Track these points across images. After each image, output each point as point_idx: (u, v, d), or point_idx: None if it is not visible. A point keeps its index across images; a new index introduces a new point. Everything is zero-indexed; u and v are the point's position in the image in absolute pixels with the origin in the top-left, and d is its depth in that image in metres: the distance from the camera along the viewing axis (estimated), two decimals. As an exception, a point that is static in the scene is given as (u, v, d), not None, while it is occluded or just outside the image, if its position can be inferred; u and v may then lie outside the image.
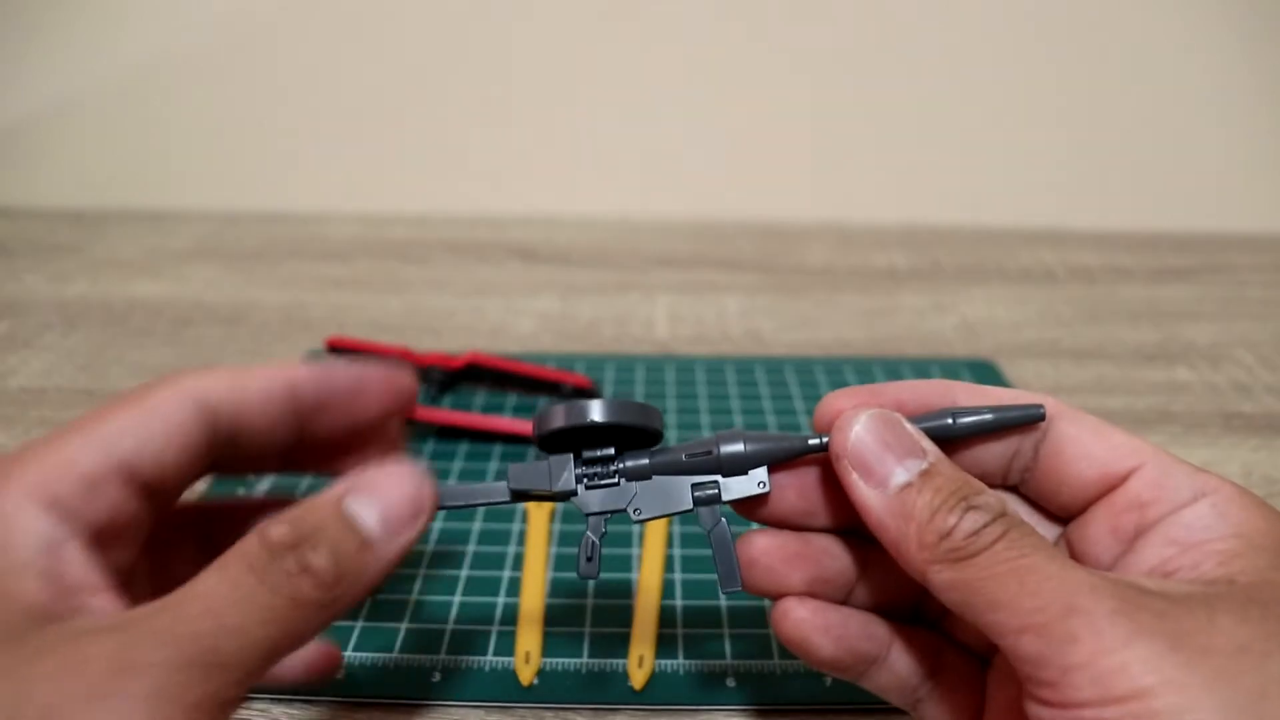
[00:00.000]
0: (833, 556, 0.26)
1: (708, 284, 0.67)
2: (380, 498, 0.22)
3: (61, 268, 0.69)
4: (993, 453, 0.25)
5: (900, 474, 0.22)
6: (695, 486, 0.25)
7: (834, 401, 0.25)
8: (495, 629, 0.34)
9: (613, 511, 0.25)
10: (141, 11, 0.74)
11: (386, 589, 0.36)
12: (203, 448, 0.23)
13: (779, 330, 0.60)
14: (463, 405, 0.50)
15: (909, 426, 0.23)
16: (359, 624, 0.35)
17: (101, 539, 0.21)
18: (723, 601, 0.36)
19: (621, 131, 0.77)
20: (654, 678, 0.32)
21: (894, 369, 0.53)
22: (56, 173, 0.81)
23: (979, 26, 0.72)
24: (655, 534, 0.39)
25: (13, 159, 0.80)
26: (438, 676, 0.32)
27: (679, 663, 0.33)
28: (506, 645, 0.34)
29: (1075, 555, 0.24)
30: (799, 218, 0.79)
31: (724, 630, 0.34)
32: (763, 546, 0.25)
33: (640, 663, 0.32)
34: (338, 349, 0.50)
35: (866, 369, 0.53)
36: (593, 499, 0.25)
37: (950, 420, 0.24)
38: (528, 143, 0.77)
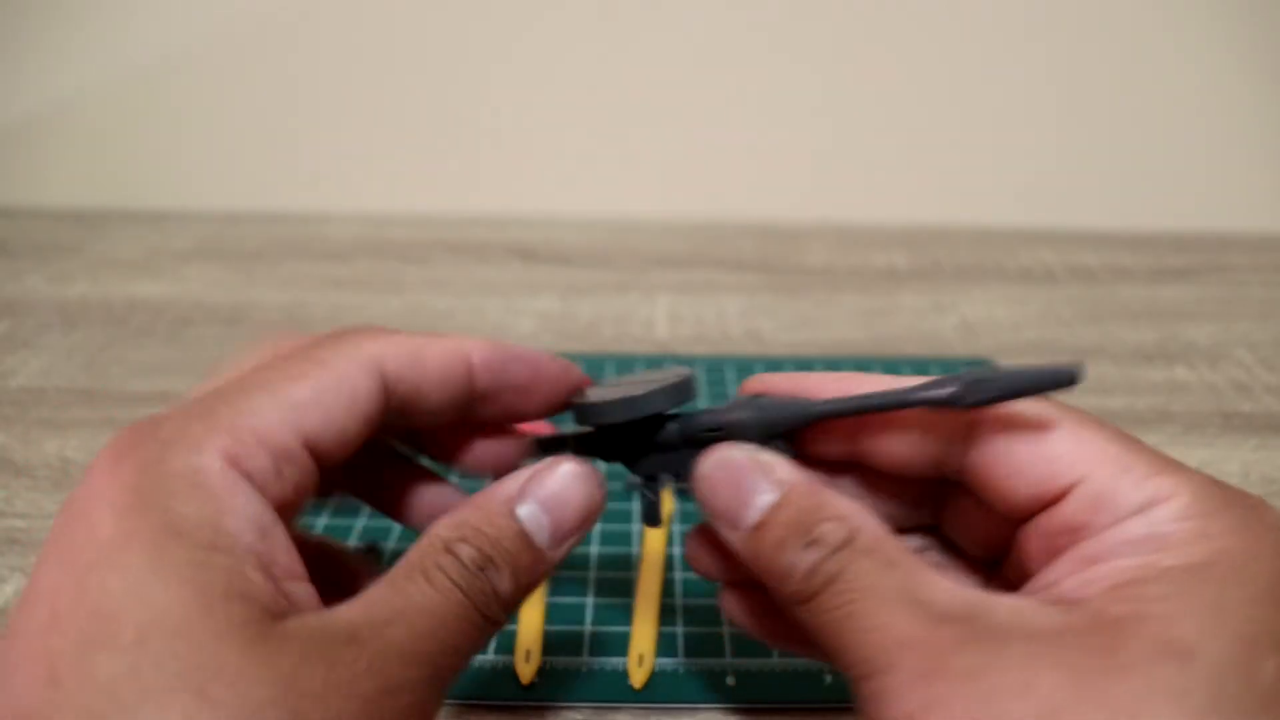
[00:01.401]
0: None
1: (708, 284, 0.67)
2: (554, 506, 0.21)
3: (62, 268, 0.69)
4: (903, 458, 0.23)
5: (750, 515, 0.21)
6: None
7: (750, 386, 0.24)
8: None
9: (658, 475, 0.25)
10: (142, 12, 0.74)
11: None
12: (379, 417, 0.22)
13: (779, 330, 0.60)
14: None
15: (764, 456, 0.22)
16: (359, 623, 0.34)
17: (287, 511, 0.20)
18: (723, 600, 0.36)
19: (621, 131, 0.77)
20: (654, 677, 0.32)
21: (894, 369, 0.53)
22: (56, 173, 0.81)
23: (979, 26, 0.72)
24: (655, 533, 0.39)
25: (13, 159, 0.80)
26: (438, 675, 0.32)
27: (679, 662, 0.33)
28: (506, 643, 0.34)
29: (1019, 581, 0.22)
30: (799, 218, 0.79)
31: (724, 630, 0.34)
32: (695, 538, 0.25)
33: (640, 662, 0.32)
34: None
35: (866, 369, 0.53)
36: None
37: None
38: (528, 143, 0.77)
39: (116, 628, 0.16)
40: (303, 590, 0.19)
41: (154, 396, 0.51)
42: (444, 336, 0.24)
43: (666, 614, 0.35)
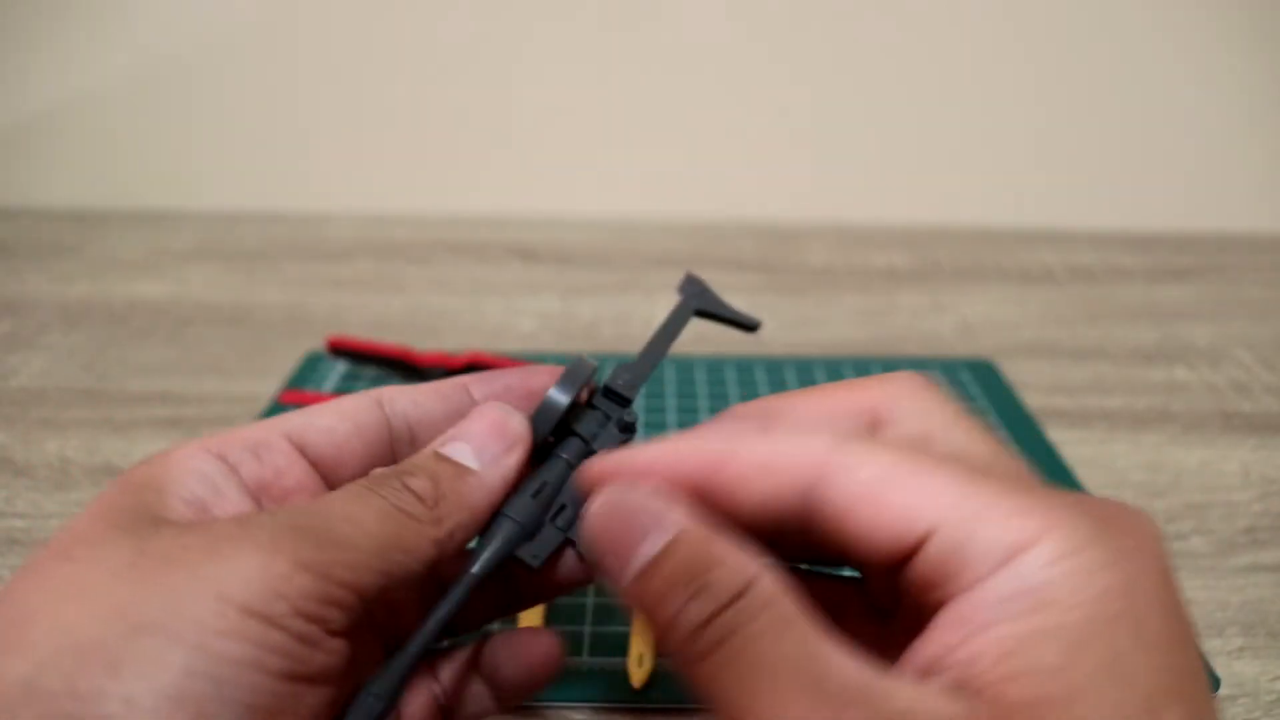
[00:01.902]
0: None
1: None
2: (470, 437, 0.23)
3: (63, 268, 0.69)
4: (772, 521, 0.20)
5: (635, 561, 0.19)
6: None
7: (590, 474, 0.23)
8: (494, 629, 0.34)
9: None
10: (142, 12, 0.74)
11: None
12: (381, 432, 0.24)
13: (779, 330, 0.60)
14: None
15: (655, 500, 0.20)
16: (360, 623, 0.35)
17: (270, 496, 0.22)
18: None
19: (622, 132, 0.77)
20: (654, 677, 0.32)
21: (894, 369, 0.53)
22: (57, 173, 0.81)
23: (979, 26, 0.72)
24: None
25: (14, 159, 0.80)
26: (438, 675, 0.32)
27: (679, 661, 0.33)
28: (507, 644, 0.34)
29: (899, 647, 0.19)
30: (799, 218, 0.79)
31: (724, 629, 0.34)
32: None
33: (640, 662, 0.32)
34: (338, 349, 0.50)
35: (866, 369, 0.53)
36: None
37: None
38: (528, 143, 0.78)
39: (46, 548, 0.20)
40: None
41: (155, 396, 0.51)
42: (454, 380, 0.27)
43: (666, 614, 0.35)
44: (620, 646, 0.33)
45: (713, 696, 0.18)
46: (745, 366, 0.54)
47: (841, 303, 0.64)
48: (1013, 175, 0.77)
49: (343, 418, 0.24)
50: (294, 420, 0.23)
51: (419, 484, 0.22)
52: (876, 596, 0.23)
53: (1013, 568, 0.17)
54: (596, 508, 0.21)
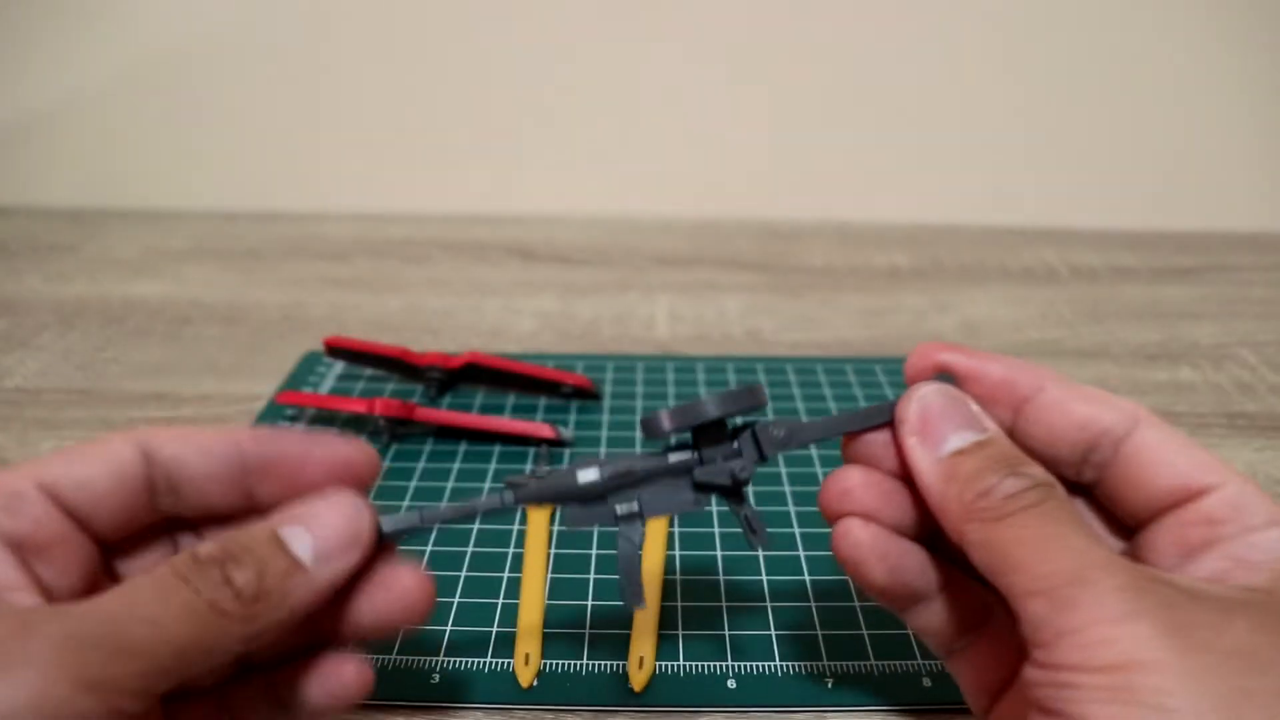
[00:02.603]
0: (914, 503, 0.26)
1: (708, 284, 0.67)
2: (314, 526, 0.22)
3: (59, 267, 0.68)
4: (1067, 442, 0.25)
5: (954, 440, 0.24)
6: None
7: (928, 351, 0.26)
8: (495, 630, 0.34)
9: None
10: (139, 12, 0.74)
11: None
12: (140, 484, 0.23)
13: (779, 330, 0.60)
14: (462, 405, 0.50)
15: (973, 406, 0.25)
16: (357, 625, 0.34)
17: (27, 550, 0.21)
18: (723, 602, 0.35)
19: (621, 131, 0.77)
20: (654, 679, 0.32)
21: (895, 369, 0.53)
22: (55, 172, 0.80)
23: (979, 26, 0.72)
24: (655, 535, 0.39)
25: (11, 158, 0.80)
26: (437, 678, 0.32)
27: (679, 663, 0.33)
28: (506, 647, 0.33)
29: (1137, 561, 0.24)
30: (799, 217, 0.78)
31: (724, 631, 0.34)
32: (858, 478, 0.26)
33: (640, 664, 0.32)
34: (336, 349, 0.50)
35: (867, 369, 0.53)
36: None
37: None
38: (527, 143, 0.77)
39: None
40: (21, 598, 0.20)
41: (151, 397, 0.51)
42: (220, 428, 0.26)
43: (667, 617, 0.35)
44: (620, 649, 0.33)
45: (1006, 546, 0.21)
46: (745, 367, 0.54)
47: (842, 303, 0.64)
48: (1015, 174, 0.77)
49: (102, 466, 0.23)
50: (50, 468, 0.22)
51: (243, 578, 0.21)
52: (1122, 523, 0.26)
53: (1275, 531, 0.22)
54: (926, 392, 0.25)
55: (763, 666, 0.32)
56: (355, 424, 0.47)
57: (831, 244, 0.74)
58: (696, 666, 0.32)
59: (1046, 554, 0.20)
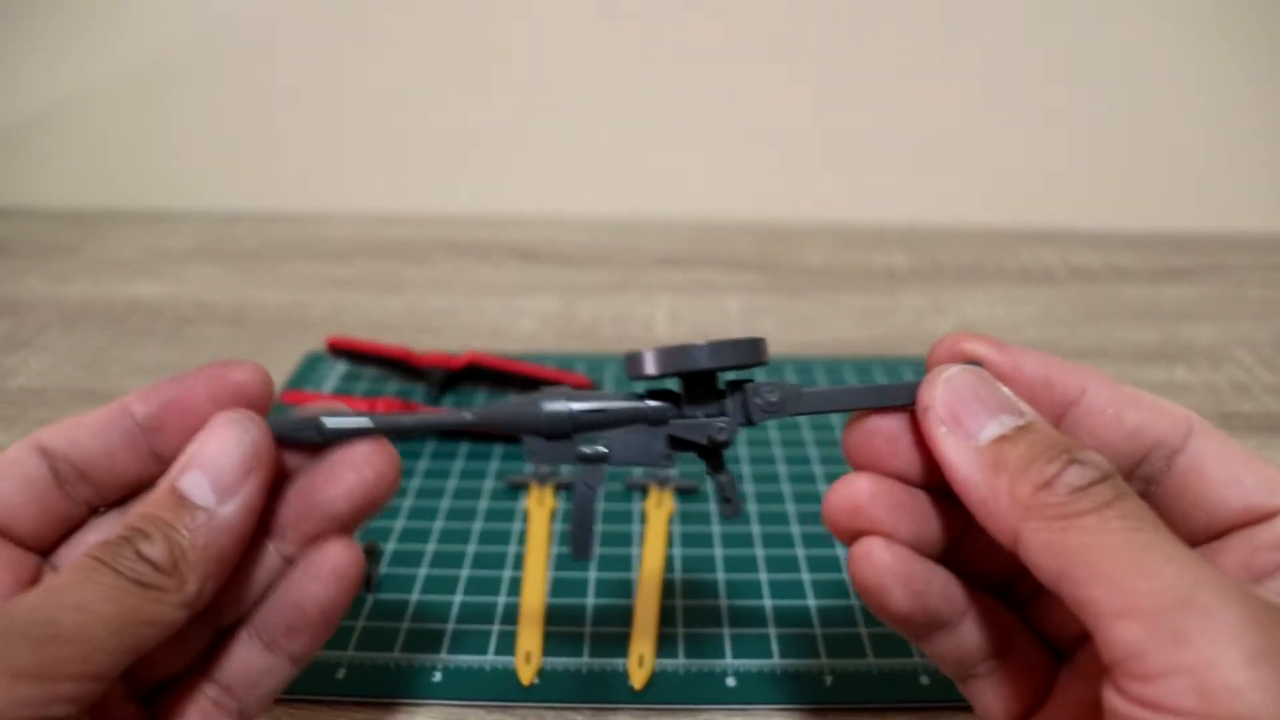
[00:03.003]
0: (931, 513, 0.24)
1: (708, 284, 0.67)
2: (208, 465, 0.22)
3: (61, 267, 0.69)
4: (1115, 452, 0.22)
5: (993, 427, 0.21)
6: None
7: (955, 341, 0.23)
8: (496, 629, 0.34)
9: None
10: (141, 12, 0.74)
11: (387, 589, 0.36)
12: (47, 482, 0.23)
13: (779, 330, 0.60)
14: (462, 405, 0.50)
15: (1005, 390, 0.22)
16: (359, 623, 0.34)
17: None
18: (723, 601, 0.36)
19: (621, 131, 0.77)
20: (654, 678, 0.32)
21: (894, 369, 0.53)
22: (56, 172, 0.81)
23: (979, 26, 0.72)
24: (655, 533, 0.39)
25: (13, 159, 0.80)
26: (438, 676, 0.32)
27: (679, 663, 0.33)
28: (507, 645, 0.34)
29: None
30: (799, 218, 0.79)
31: (724, 630, 0.34)
32: (867, 490, 0.23)
33: (640, 662, 0.32)
34: (338, 349, 0.50)
35: (867, 369, 0.53)
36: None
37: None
38: (528, 143, 0.77)
39: None
40: None
41: (154, 397, 0.51)
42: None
43: (667, 615, 0.35)
44: (621, 647, 0.33)
45: (1084, 553, 0.18)
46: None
47: (841, 303, 0.64)
48: (1013, 175, 0.77)
49: (3, 476, 0.22)
50: None
51: (154, 551, 0.20)
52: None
53: None
54: (953, 373, 0.22)
55: (762, 664, 0.33)
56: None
57: (830, 244, 0.74)
58: (696, 664, 0.33)
59: (1141, 565, 0.17)
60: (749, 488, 0.43)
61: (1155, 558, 0.17)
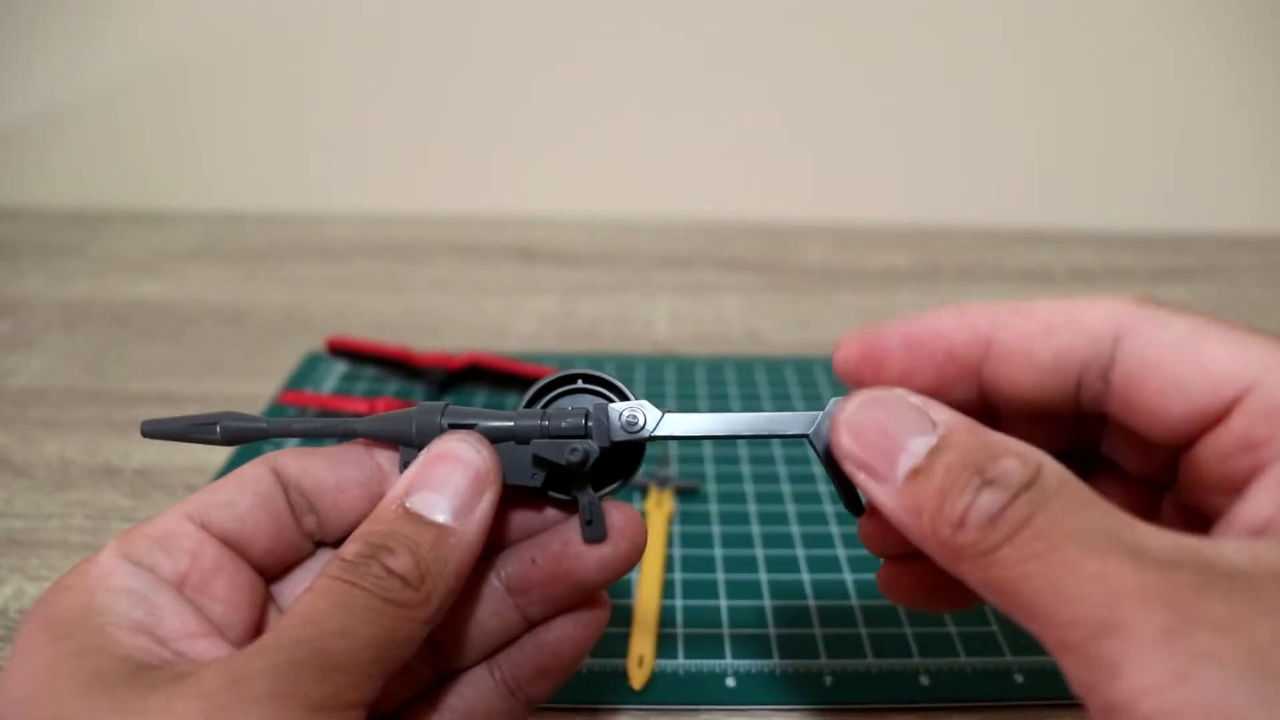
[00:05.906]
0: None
1: (708, 284, 0.67)
2: (441, 487, 0.21)
3: (63, 268, 0.69)
4: (1046, 389, 0.20)
5: (905, 460, 0.19)
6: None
7: (843, 352, 0.22)
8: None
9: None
10: (141, 12, 0.74)
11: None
12: (281, 503, 0.23)
13: (779, 330, 0.60)
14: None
15: (913, 399, 0.19)
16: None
17: (191, 588, 0.21)
18: (723, 602, 0.36)
19: (622, 132, 0.77)
20: (654, 678, 0.32)
21: (893, 369, 0.53)
22: (58, 173, 0.81)
23: (979, 27, 0.72)
24: (655, 534, 0.39)
25: (14, 159, 0.80)
26: (439, 676, 0.32)
27: (679, 663, 0.33)
28: (507, 645, 0.34)
29: (1190, 504, 0.20)
30: (799, 218, 0.79)
31: (724, 630, 0.34)
32: (911, 581, 0.23)
33: (640, 663, 0.32)
34: (339, 349, 0.50)
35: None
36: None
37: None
38: (528, 143, 0.78)
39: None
40: (203, 645, 0.20)
41: (155, 396, 0.51)
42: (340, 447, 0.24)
43: (666, 616, 0.35)
44: (620, 648, 0.33)
45: (1014, 588, 0.16)
46: (745, 366, 0.54)
47: (841, 303, 0.64)
48: (1013, 175, 0.77)
49: (241, 490, 0.22)
50: (193, 501, 0.22)
51: (401, 564, 0.20)
52: (1149, 469, 0.22)
53: None
54: (850, 413, 0.20)
55: (761, 665, 0.33)
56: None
57: (830, 245, 0.74)
58: (696, 665, 0.33)
59: (1061, 593, 0.16)
60: (749, 488, 0.43)
61: (1074, 580, 0.16)
